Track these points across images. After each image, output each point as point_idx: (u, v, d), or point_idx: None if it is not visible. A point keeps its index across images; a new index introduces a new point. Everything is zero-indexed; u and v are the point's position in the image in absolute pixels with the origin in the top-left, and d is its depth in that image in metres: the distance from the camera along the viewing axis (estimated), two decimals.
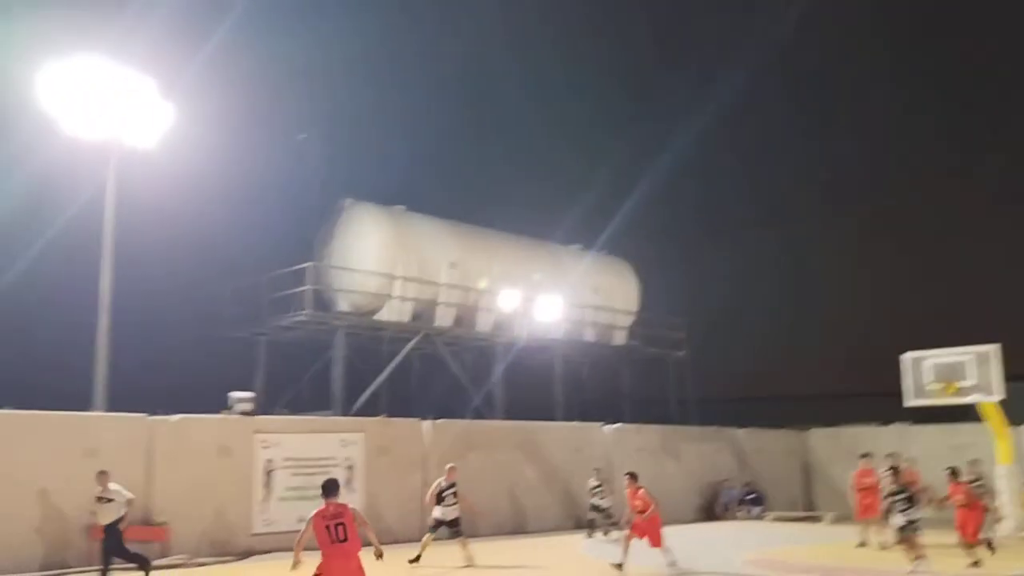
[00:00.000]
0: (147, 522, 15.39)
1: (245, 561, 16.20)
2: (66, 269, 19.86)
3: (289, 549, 16.93)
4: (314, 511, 9.09)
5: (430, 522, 15.55)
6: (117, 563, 13.22)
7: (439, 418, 20.63)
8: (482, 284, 25.86)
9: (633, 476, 15.07)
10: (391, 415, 20.58)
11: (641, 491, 14.73)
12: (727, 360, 33.06)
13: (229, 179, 23.87)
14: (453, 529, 15.30)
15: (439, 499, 15.40)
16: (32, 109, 17.22)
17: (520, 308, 26.10)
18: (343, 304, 24.49)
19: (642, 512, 14.38)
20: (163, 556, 15.18)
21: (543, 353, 27.60)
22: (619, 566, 13.99)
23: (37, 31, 18.38)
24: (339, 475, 17.98)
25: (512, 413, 25.00)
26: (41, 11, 19.75)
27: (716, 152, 35.25)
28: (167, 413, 16.59)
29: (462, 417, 22.62)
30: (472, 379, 26.28)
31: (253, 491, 17.12)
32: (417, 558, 15.01)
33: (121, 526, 13.11)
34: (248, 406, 17.85)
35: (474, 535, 19.58)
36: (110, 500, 13.04)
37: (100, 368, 17.04)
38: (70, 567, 14.43)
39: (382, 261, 24.37)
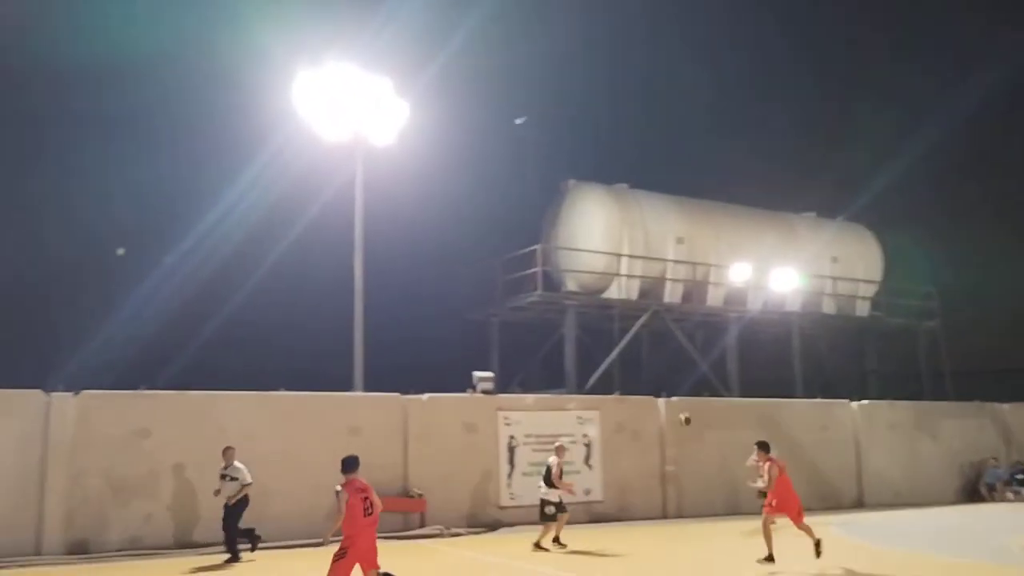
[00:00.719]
0: (406, 494, 16.44)
1: (494, 533, 16.91)
2: (322, 259, 21.49)
3: (533, 522, 17.61)
4: (342, 484, 9.02)
5: (555, 504, 14.36)
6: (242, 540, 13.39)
7: (670, 395, 20.46)
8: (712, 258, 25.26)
9: (763, 446, 12.76)
10: (623, 393, 20.65)
11: (768, 464, 12.36)
12: (985, 329, 30.25)
13: (460, 167, 24.83)
14: (563, 510, 14.34)
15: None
16: (288, 113, 18.79)
17: (752, 281, 25.26)
18: (571, 284, 24.81)
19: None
20: (421, 527, 16.17)
21: (778, 327, 26.59)
22: (768, 558, 12.18)
23: (292, 43, 19.93)
24: (578, 452, 18.41)
25: (748, 390, 24.32)
26: (296, 24, 21.38)
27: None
28: (417, 392, 17.61)
29: (693, 394, 22.26)
30: (703, 355, 25.81)
31: (499, 466, 17.81)
32: (557, 541, 14.22)
33: (237, 505, 13.16)
34: (489, 385, 18.52)
35: (713, 514, 19.35)
36: (234, 478, 13.34)
37: (358, 351, 18.34)
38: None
39: (608, 240, 24.43)
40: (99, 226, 21.39)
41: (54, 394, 14.49)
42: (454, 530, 16.52)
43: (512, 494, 17.89)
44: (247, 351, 21.50)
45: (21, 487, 13.73)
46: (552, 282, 24.72)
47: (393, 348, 20.80)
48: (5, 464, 13.57)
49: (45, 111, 21.11)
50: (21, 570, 12.62)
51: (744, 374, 25.35)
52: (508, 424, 18.19)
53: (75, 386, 14.78)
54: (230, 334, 22.12)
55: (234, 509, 13.28)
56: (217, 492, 13.35)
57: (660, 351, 27.02)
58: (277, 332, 21.89)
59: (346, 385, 18.20)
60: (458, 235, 25.35)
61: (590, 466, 18.64)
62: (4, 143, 20.68)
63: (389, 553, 13.58)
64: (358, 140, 18.94)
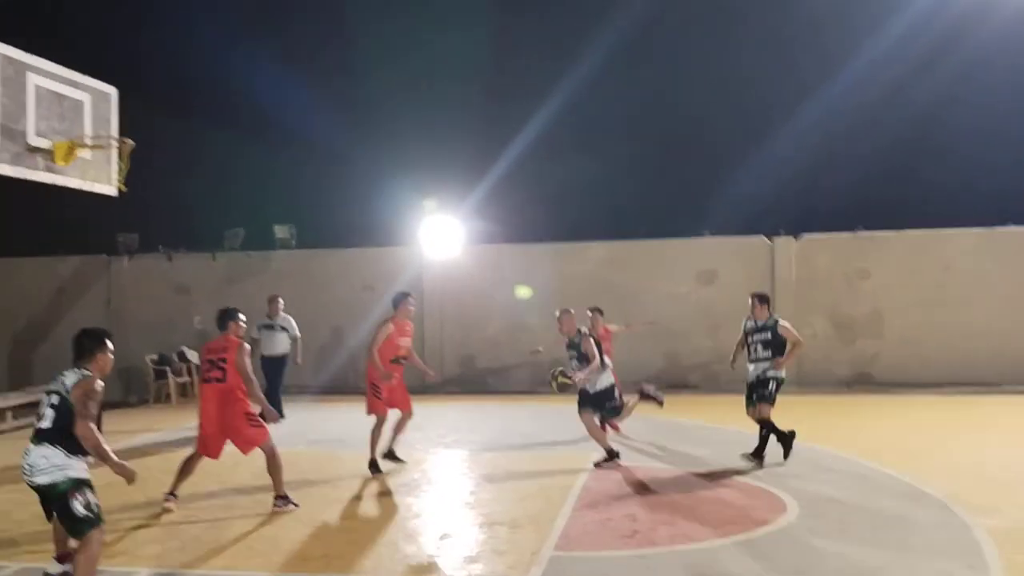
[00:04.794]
0: None
1: None
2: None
3: None
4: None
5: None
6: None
7: None
8: None
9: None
10: None
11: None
12: None
13: None
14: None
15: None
16: None
17: None
18: None
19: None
20: None
21: None
22: None
23: None
24: None
25: None
26: None
27: None
28: None
29: None
30: None
31: None
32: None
33: (284, 360, 11.76)
34: None
35: None
36: (284, 328, 11.76)
37: None
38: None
39: None
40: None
41: (776, 238, 15.21)
42: None
43: None
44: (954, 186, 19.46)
45: None
46: None
47: None
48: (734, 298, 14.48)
49: None
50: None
51: None
52: None
53: (794, 230, 15.30)
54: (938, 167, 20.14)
55: (282, 364, 11.89)
56: (255, 341, 11.41)
57: None
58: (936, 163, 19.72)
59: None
60: None
61: None
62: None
63: None
64: None
